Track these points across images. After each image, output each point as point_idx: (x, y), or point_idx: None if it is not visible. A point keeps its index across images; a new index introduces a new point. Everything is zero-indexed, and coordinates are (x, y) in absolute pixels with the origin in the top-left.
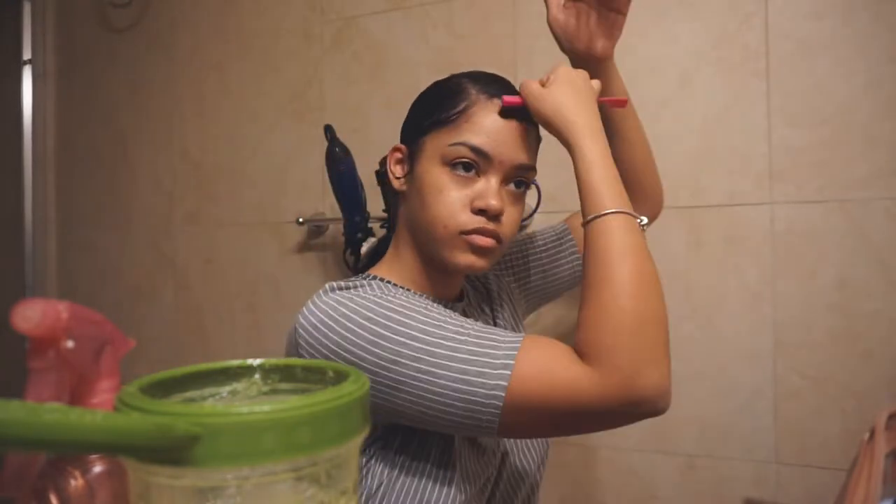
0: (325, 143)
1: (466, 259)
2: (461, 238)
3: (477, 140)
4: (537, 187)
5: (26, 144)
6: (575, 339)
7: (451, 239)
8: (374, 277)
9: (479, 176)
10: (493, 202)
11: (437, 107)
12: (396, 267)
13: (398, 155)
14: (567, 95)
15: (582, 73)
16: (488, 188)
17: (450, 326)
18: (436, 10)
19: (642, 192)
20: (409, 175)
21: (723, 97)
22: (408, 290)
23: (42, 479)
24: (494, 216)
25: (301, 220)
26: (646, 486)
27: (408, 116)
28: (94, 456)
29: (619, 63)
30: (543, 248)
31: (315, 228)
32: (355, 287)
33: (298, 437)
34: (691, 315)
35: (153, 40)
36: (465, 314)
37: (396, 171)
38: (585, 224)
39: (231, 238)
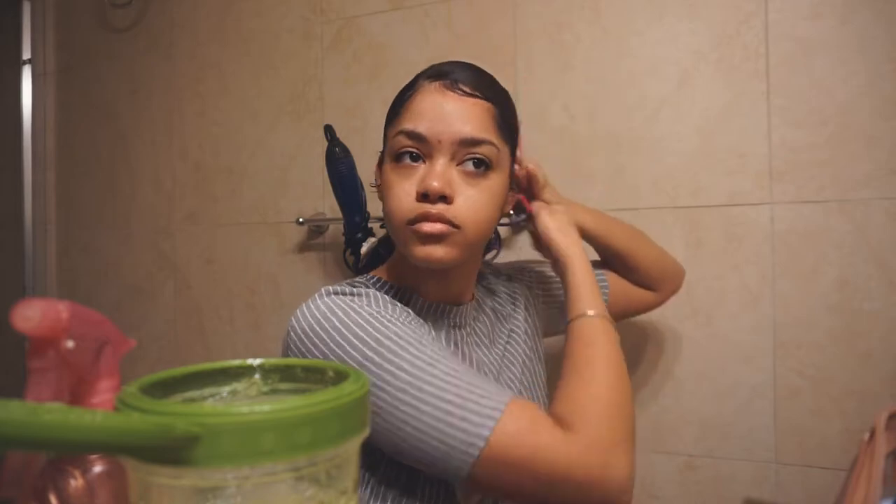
0: (325, 143)
1: (421, 251)
2: (409, 229)
3: (410, 124)
4: None
5: (26, 144)
6: (552, 411)
7: (403, 232)
8: (376, 280)
9: (424, 163)
10: (432, 183)
11: (392, 104)
12: (396, 269)
13: (379, 158)
14: (562, 231)
15: (564, 212)
16: (430, 171)
17: (441, 367)
18: (436, 10)
19: (664, 279)
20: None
21: (723, 97)
22: (411, 295)
23: (42, 479)
24: (441, 199)
25: (301, 220)
26: (646, 486)
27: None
28: (94, 456)
29: (620, 62)
30: None
31: (315, 228)
32: (352, 294)
33: (298, 437)
34: (691, 315)
35: (153, 40)
36: (463, 315)
37: (377, 175)
38: (572, 321)
39: (231, 238)
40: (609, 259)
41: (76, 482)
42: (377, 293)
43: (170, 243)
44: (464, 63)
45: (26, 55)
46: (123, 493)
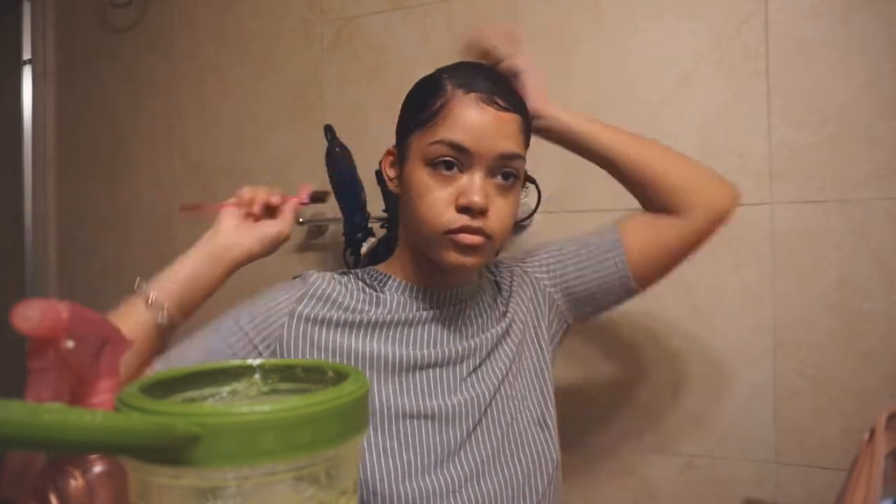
0: (325, 143)
1: (454, 258)
2: (446, 238)
3: (455, 136)
4: (537, 187)
5: (26, 144)
6: None
7: (438, 239)
8: (371, 270)
9: (462, 172)
10: (475, 198)
11: (417, 106)
12: (398, 264)
13: (391, 158)
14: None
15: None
16: (471, 184)
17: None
18: (436, 10)
19: (693, 193)
20: (400, 176)
21: (723, 97)
22: (407, 283)
23: (42, 479)
24: (480, 212)
25: (301, 220)
26: (645, 486)
27: (398, 117)
28: (94, 456)
29: (620, 62)
30: (583, 250)
31: (315, 228)
32: (297, 278)
33: (298, 437)
34: (691, 315)
35: (153, 40)
36: (471, 298)
37: (390, 173)
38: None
39: None
40: (612, 170)
41: (76, 482)
42: (334, 276)
43: (170, 243)
44: (485, 69)
45: (26, 55)
46: (123, 493)
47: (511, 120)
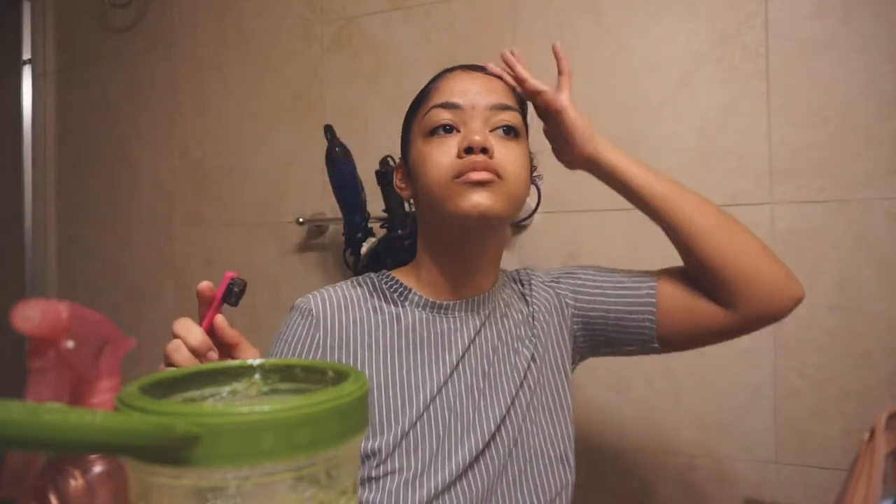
0: (325, 143)
1: (469, 201)
2: (455, 183)
3: (443, 98)
4: (537, 187)
5: (26, 144)
6: None
7: (448, 189)
8: (385, 276)
9: (459, 131)
10: (475, 137)
11: (411, 107)
12: (417, 271)
13: (399, 172)
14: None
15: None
16: (469, 131)
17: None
18: (436, 10)
19: (743, 285)
20: (409, 176)
21: (723, 97)
22: (416, 293)
23: (42, 479)
24: (482, 151)
25: (301, 220)
26: (646, 486)
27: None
28: (94, 456)
29: (620, 63)
30: (615, 293)
31: (315, 228)
32: (299, 309)
33: (298, 437)
34: None
35: (153, 40)
36: (494, 310)
37: (402, 185)
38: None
39: (231, 238)
40: (664, 227)
41: (76, 482)
42: (349, 293)
43: (170, 243)
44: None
45: (26, 55)
46: (123, 493)
47: (499, 83)
